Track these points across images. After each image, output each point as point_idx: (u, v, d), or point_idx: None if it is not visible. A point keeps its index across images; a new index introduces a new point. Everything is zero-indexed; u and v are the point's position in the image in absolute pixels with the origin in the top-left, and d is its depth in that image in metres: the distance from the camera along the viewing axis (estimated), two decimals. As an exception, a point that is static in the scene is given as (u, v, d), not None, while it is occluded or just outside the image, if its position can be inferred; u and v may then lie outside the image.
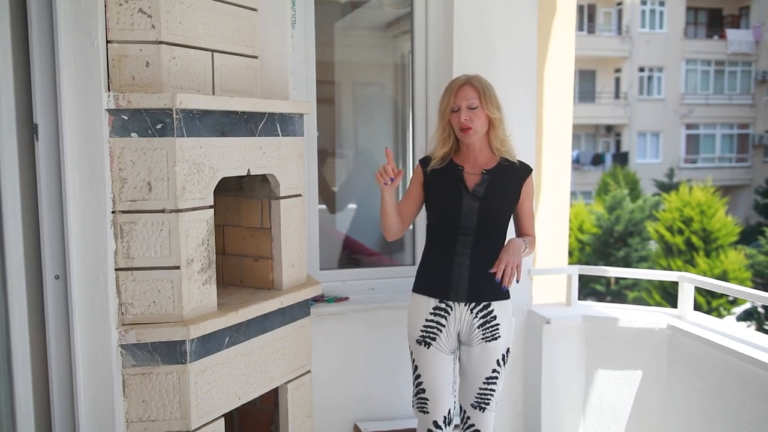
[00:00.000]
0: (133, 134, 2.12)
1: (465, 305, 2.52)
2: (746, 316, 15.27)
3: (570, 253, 18.49)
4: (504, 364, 2.58)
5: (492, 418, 2.60)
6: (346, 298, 3.21)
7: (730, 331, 2.97)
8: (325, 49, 4.56)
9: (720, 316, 15.20)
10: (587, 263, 18.13)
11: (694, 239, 16.25)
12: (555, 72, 3.71)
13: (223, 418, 2.36)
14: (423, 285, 2.60)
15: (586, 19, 27.62)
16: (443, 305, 2.54)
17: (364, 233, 3.67)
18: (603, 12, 27.78)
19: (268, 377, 2.56)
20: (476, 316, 2.52)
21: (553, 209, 3.83)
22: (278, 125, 2.57)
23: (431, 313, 2.56)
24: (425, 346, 2.57)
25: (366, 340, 3.14)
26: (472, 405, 2.59)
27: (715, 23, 28.47)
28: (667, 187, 22.23)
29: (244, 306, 2.40)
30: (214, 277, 2.32)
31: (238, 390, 2.42)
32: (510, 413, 3.38)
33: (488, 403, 2.58)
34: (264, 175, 2.58)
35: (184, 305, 2.19)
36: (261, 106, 2.46)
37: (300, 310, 2.70)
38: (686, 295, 3.18)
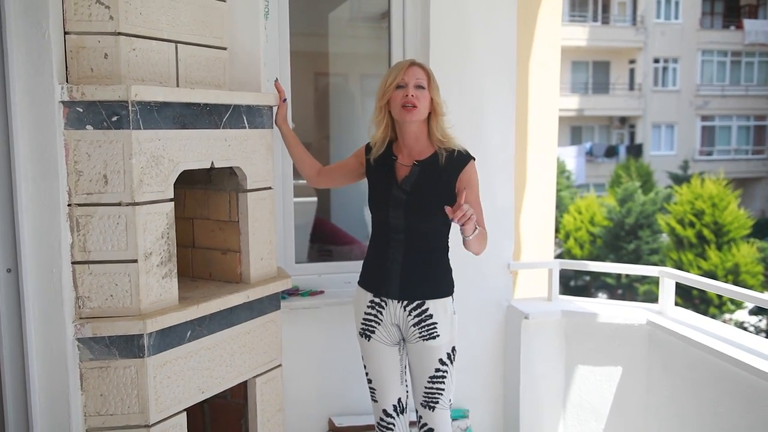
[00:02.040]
0: (88, 126, 2.11)
1: (398, 302, 2.47)
2: (759, 310, 15.12)
3: (581, 246, 18.42)
4: (451, 362, 2.51)
5: (445, 416, 2.54)
6: (322, 292, 3.19)
7: (710, 329, 2.93)
8: (320, 40, 4.55)
9: (729, 310, 15.08)
10: (598, 256, 18.01)
11: (706, 232, 16.10)
12: (540, 62, 3.66)
13: (185, 413, 2.35)
14: (362, 278, 2.59)
15: (600, 9, 27.36)
16: (378, 300, 2.51)
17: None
18: (617, 2, 27.48)
19: (235, 371, 2.55)
20: (410, 314, 2.46)
21: (538, 203, 3.79)
22: (245, 117, 2.54)
23: (368, 307, 2.53)
24: (366, 338, 2.56)
25: (341, 333, 3.11)
26: (421, 404, 2.54)
27: (731, 13, 28.07)
28: (681, 179, 22.01)
29: (207, 300, 2.39)
30: (175, 271, 2.31)
31: (201, 384, 2.41)
32: (489, 409, 3.36)
33: (437, 402, 2.52)
34: (231, 168, 2.56)
35: (142, 299, 2.18)
36: (225, 98, 2.44)
37: (269, 304, 2.68)
38: (667, 291, 3.14)
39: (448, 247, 2.52)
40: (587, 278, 18.20)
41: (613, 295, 17.53)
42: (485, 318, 3.31)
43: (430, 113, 2.45)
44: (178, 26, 2.41)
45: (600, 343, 3.22)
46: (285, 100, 2.72)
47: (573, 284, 18.33)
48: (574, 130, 27.66)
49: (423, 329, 2.45)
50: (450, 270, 2.53)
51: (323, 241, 4.09)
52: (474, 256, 3.17)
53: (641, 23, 27.13)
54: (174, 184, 2.28)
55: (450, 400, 2.55)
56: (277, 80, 2.75)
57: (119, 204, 2.14)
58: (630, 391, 3.18)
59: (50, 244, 2.09)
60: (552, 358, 3.26)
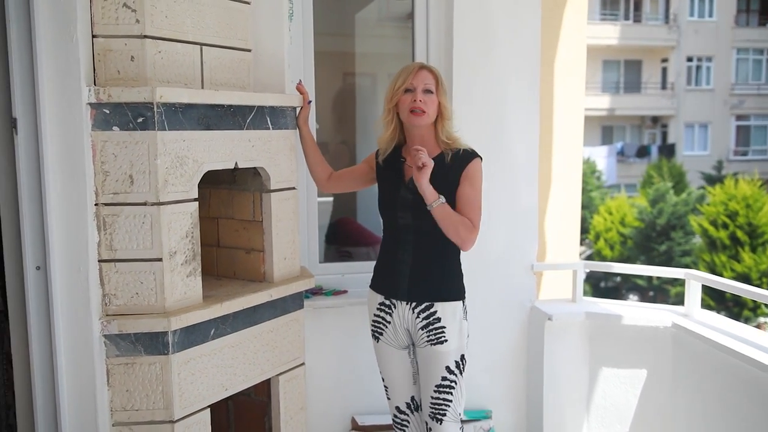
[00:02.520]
0: (114, 128, 2.16)
1: (407, 304, 2.48)
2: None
3: (611, 247, 18.24)
4: (460, 371, 2.48)
5: (453, 429, 2.50)
6: (345, 292, 3.22)
7: (737, 332, 2.89)
8: (346, 41, 4.59)
9: (764, 313, 14.80)
10: (629, 257, 17.82)
11: (739, 234, 15.82)
12: (565, 62, 3.65)
13: (209, 409, 2.39)
14: (373, 280, 2.61)
15: (632, 7, 27.05)
16: (387, 302, 2.52)
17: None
18: (649, 0, 27.14)
19: (258, 369, 2.59)
20: (418, 317, 2.46)
21: (563, 204, 3.78)
22: (269, 118, 2.58)
23: (378, 309, 2.56)
24: (375, 339, 2.60)
25: (364, 333, 3.11)
26: (429, 415, 2.51)
27: (768, 10, 27.59)
28: (714, 179, 21.67)
29: (230, 298, 2.43)
30: (199, 270, 2.35)
31: (225, 381, 2.45)
32: (512, 410, 3.36)
33: (444, 414, 2.48)
34: (256, 168, 2.60)
35: (166, 297, 2.23)
36: (248, 99, 2.48)
37: (292, 303, 2.72)
38: (692, 293, 3.11)
39: (458, 250, 2.51)
40: (618, 279, 18.03)
41: (644, 297, 17.32)
42: (508, 319, 3.31)
43: (437, 116, 2.45)
44: (203, 29, 2.46)
45: (624, 345, 3.20)
46: (310, 102, 2.75)
47: (603, 285, 18.17)
48: (605, 129, 27.40)
49: (431, 332, 2.45)
50: (461, 275, 2.52)
51: (348, 240, 4.12)
52: (497, 256, 3.22)
53: (674, 21, 26.77)
54: (199, 184, 2.33)
55: (460, 414, 2.52)
56: (300, 82, 2.78)
57: (145, 204, 2.19)
58: (655, 394, 3.16)
59: (78, 243, 2.15)
60: (576, 360, 3.25)
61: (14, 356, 2.29)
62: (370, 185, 2.71)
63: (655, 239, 17.84)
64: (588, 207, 19.35)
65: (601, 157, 23.78)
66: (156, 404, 2.24)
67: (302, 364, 2.78)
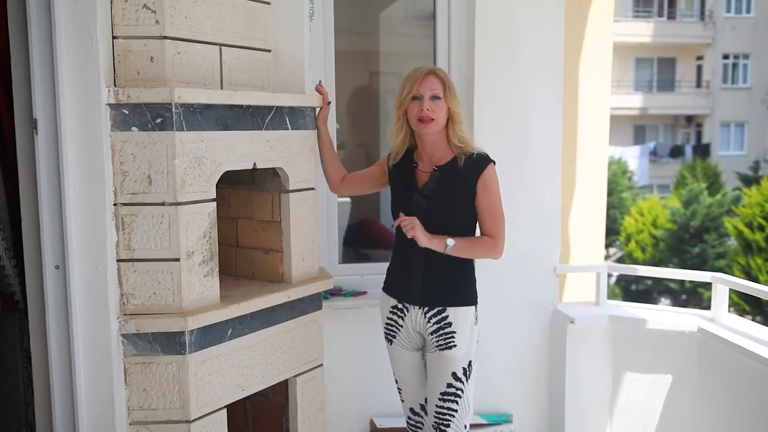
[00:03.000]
0: (133, 128, 2.19)
1: (419, 308, 2.48)
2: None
3: (642, 249, 18.03)
4: (466, 379, 2.45)
5: None
6: (364, 293, 3.23)
7: (765, 337, 2.84)
8: (370, 39, 4.60)
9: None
10: (661, 260, 17.60)
11: (776, 236, 15.52)
12: (591, 60, 3.63)
13: (225, 410, 2.42)
14: (386, 284, 2.62)
15: (666, 4, 26.69)
16: (400, 306, 2.53)
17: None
18: (684, -4, 26.80)
19: (276, 370, 2.61)
20: (429, 321, 2.46)
21: (588, 205, 3.75)
22: (287, 118, 2.60)
23: (390, 312, 2.56)
24: (388, 342, 2.60)
25: (383, 334, 3.14)
26: (433, 426, 2.50)
27: (808, 6, 27.01)
28: (751, 180, 21.28)
29: (248, 299, 2.45)
30: (217, 270, 2.38)
31: (242, 382, 2.47)
32: (533, 415, 3.34)
33: (448, 426, 2.45)
34: (274, 169, 2.62)
35: (184, 297, 2.26)
36: (267, 99, 2.50)
37: (311, 304, 2.73)
38: (719, 298, 3.07)
39: None
40: (649, 283, 17.82)
41: (676, 301, 17.10)
42: (530, 321, 3.30)
43: (447, 120, 2.44)
44: (222, 29, 2.48)
45: (649, 349, 3.17)
46: (329, 102, 2.77)
47: (634, 288, 17.98)
48: (637, 129, 27.10)
49: (440, 337, 2.44)
50: (474, 280, 2.52)
51: (371, 241, 4.12)
52: (519, 258, 3.20)
53: (710, 18, 26.36)
54: (218, 184, 2.35)
55: (466, 427, 2.48)
56: (320, 83, 2.79)
57: (163, 204, 2.22)
58: (680, 400, 3.13)
59: (96, 242, 2.18)
60: (599, 364, 3.23)
61: (33, 354, 2.34)
62: (382, 188, 2.73)
63: (688, 241, 17.58)
64: (619, 208, 19.16)
65: (633, 157, 23.52)
66: (173, 404, 2.27)
67: (320, 365, 2.80)
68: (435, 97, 2.40)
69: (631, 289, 17.82)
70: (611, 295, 14.98)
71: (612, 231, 18.78)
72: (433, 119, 2.39)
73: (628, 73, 25.77)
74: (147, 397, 2.26)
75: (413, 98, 2.42)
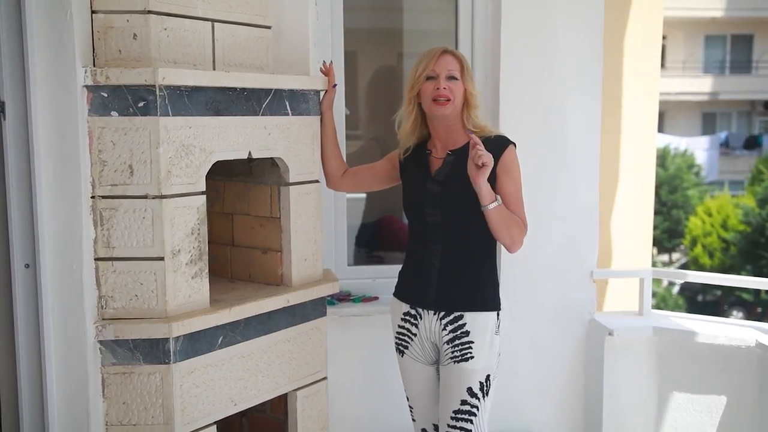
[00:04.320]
0: (113, 113, 2.23)
1: (434, 314, 2.49)
2: None
3: (710, 254, 17.81)
4: (483, 396, 2.45)
5: None
6: (376, 298, 3.25)
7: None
8: (394, 16, 4.60)
9: None
10: (731, 267, 17.34)
11: None
12: (638, 38, 3.60)
13: (215, 426, 2.45)
14: (398, 288, 2.63)
15: (741, -27, 26.27)
16: (413, 311, 2.54)
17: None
18: (763, -36, 26.34)
19: (273, 383, 2.63)
20: (444, 329, 2.47)
21: (633, 203, 3.73)
22: (287, 103, 2.62)
23: (402, 319, 2.58)
24: (400, 353, 2.61)
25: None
26: None
27: None
28: (841, 176, 20.92)
29: (241, 303, 2.48)
30: (206, 271, 2.41)
31: (234, 395, 2.50)
32: (567, 438, 3.33)
33: None
34: (273, 159, 2.64)
35: (168, 300, 2.29)
36: (264, 81, 2.52)
37: (313, 310, 2.75)
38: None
39: (494, 255, 2.51)
40: (718, 293, 17.58)
41: (750, 313, 16.84)
42: (563, 332, 3.29)
43: (463, 104, 2.46)
44: (215, 3, 2.50)
45: (700, 367, 3.15)
46: (335, 85, 2.78)
47: (701, 299, 17.75)
48: (706, 117, 26.71)
49: (456, 348, 2.45)
50: (496, 282, 2.52)
51: (392, 241, 4.13)
52: (551, 260, 3.19)
53: (792, -11, 25.89)
54: (212, 175, 2.38)
55: None
56: (325, 63, 2.80)
57: (145, 197, 2.25)
58: (736, 425, 3.10)
59: (71, 239, 2.22)
60: (641, 383, 3.21)
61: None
62: (390, 185, 2.75)
63: (763, 246, 17.30)
64: (684, 207, 18.93)
65: (701, 149, 23.20)
66: (155, 419, 2.30)
67: (324, 378, 2.81)
68: (451, 77, 2.43)
69: (697, 300, 17.61)
70: (674, 307, 14.86)
71: (675, 233, 18.59)
72: (450, 99, 2.42)
73: (696, 53, 25.43)
74: (127, 411, 2.29)
75: (428, 78, 2.44)
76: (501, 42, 3.13)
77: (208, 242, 2.84)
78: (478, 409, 2.45)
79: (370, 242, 4.06)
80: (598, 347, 3.21)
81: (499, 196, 2.35)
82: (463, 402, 2.44)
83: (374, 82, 4.09)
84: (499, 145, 2.44)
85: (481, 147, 2.27)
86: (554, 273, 3.23)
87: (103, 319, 2.27)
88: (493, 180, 2.40)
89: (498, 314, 2.49)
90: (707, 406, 3.15)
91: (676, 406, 3.20)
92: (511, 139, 2.48)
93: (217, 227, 2.82)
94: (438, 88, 2.42)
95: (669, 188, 18.79)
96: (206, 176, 2.62)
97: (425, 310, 2.51)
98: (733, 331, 3.12)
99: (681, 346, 3.16)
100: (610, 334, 3.14)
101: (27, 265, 2.22)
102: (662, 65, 24.90)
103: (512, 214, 2.40)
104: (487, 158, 2.26)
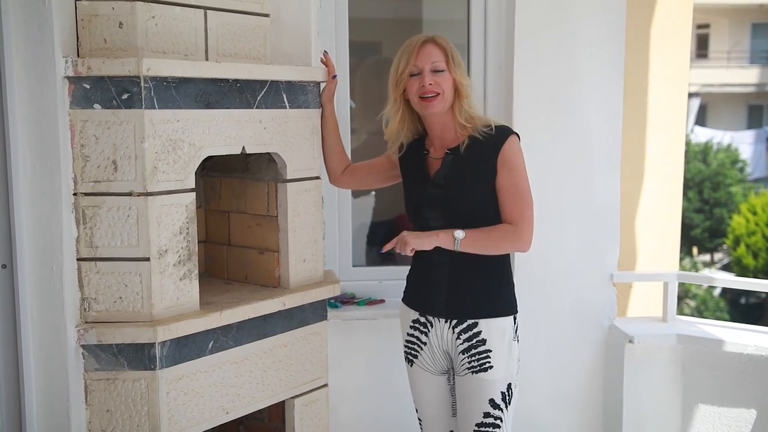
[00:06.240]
0: (96, 105, 2.20)
1: (445, 322, 2.44)
2: None
3: (754, 255, 17.55)
4: (506, 406, 2.40)
5: None
6: (382, 301, 3.21)
7: None
8: (413, 5, 4.57)
9: None
10: (778, 270, 17.09)
11: None
12: (665, 25, 3.54)
13: (205, 436, 2.42)
14: (406, 292, 2.59)
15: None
16: (423, 319, 2.49)
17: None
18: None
19: (268, 390, 2.60)
20: (458, 338, 2.41)
21: (660, 201, 3.66)
22: (284, 95, 2.58)
23: (411, 327, 2.53)
24: (408, 363, 2.57)
25: (401, 350, 3.11)
26: None
27: None
28: None
29: (233, 306, 2.45)
30: (196, 272, 2.38)
31: (226, 403, 2.47)
32: (585, 452, 3.28)
33: None
34: (270, 154, 2.60)
35: (154, 303, 2.26)
36: (259, 72, 2.49)
37: (313, 313, 2.72)
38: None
39: (506, 255, 2.45)
40: (763, 296, 17.32)
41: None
42: (581, 339, 3.25)
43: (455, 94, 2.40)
44: (208, -11, 2.48)
45: (728, 377, 3.09)
46: (335, 76, 2.74)
47: (744, 302, 17.50)
48: (752, 110, 26.32)
49: (473, 358, 2.40)
50: (511, 285, 2.47)
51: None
52: (568, 262, 3.13)
53: None
54: (209, 171, 2.35)
55: None
56: (326, 53, 2.75)
57: (130, 194, 2.23)
58: (766, 439, 3.02)
59: (52, 238, 2.20)
60: (664, 393, 3.16)
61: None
62: (390, 183, 2.71)
63: (811, 246, 17.04)
64: (726, 205, 18.67)
65: (747, 143, 22.90)
66: (140, 427, 2.27)
67: (325, 385, 2.78)
68: (437, 70, 2.36)
69: (739, 303, 17.35)
70: (714, 310, 14.67)
71: (717, 233, 18.36)
72: (438, 93, 2.36)
73: (742, 42, 25.10)
74: (111, 419, 2.27)
75: (411, 75, 2.39)
76: (515, 31, 3.08)
77: (205, 241, 2.85)
78: (502, 421, 2.42)
79: (385, 241, 4.02)
80: (617, 355, 3.16)
81: (459, 231, 2.30)
82: (487, 414, 2.40)
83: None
84: (500, 136, 2.38)
85: (395, 248, 2.36)
86: (571, 275, 3.18)
87: (86, 323, 2.26)
88: (492, 174, 2.36)
89: (515, 318, 2.44)
90: (735, 419, 3.09)
91: (701, 419, 3.14)
92: (512, 129, 2.42)
93: (213, 226, 2.80)
94: (423, 85, 2.36)
95: (711, 185, 18.54)
96: (202, 172, 2.60)
97: (436, 318, 2.46)
98: (763, 339, 3.05)
99: (707, 355, 3.10)
100: (630, 341, 3.10)
101: (4, 266, 2.21)
102: (705, 55, 24.65)
103: (486, 229, 2.35)
104: (404, 247, 2.33)
